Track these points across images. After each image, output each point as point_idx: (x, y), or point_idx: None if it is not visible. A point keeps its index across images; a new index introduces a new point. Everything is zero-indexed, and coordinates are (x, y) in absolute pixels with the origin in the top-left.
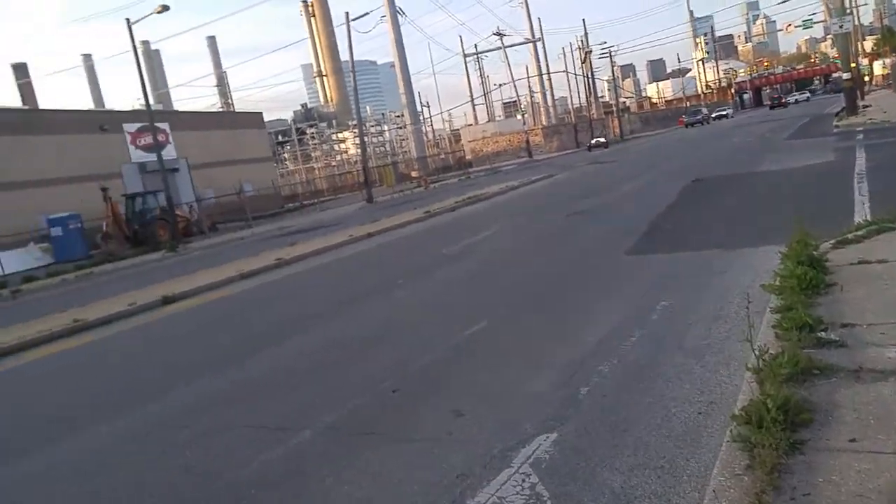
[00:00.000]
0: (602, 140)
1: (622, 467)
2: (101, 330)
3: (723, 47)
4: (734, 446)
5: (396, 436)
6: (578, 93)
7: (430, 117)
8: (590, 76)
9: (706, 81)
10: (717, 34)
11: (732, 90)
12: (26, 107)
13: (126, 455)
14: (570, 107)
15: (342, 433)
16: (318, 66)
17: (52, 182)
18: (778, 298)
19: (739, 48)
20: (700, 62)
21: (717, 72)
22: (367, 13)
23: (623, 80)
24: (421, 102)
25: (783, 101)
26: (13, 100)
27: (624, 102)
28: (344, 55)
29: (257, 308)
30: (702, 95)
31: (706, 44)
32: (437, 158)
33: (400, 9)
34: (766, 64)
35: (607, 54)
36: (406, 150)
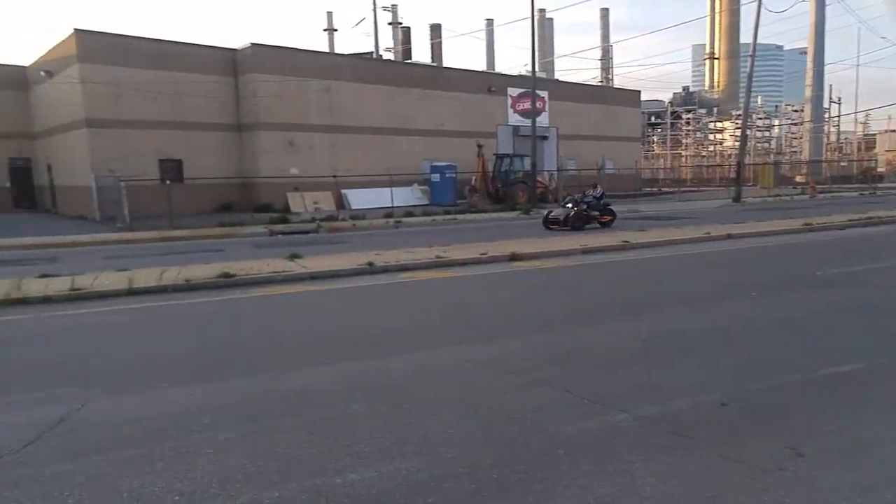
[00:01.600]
0: (567, 207)
1: None
2: (457, 269)
3: None
4: None
5: (716, 450)
6: None
7: (839, 116)
8: None
9: None
10: None
11: None
12: (434, 64)
13: (454, 387)
14: None
15: (659, 428)
16: (711, 47)
17: (438, 133)
18: None
19: None
20: None
21: None
22: None
23: None
24: (831, 98)
25: None
26: (426, 56)
27: None
28: (745, 37)
29: (591, 281)
30: None
31: None
32: (836, 165)
33: None
34: None
35: None
36: (796, 149)
